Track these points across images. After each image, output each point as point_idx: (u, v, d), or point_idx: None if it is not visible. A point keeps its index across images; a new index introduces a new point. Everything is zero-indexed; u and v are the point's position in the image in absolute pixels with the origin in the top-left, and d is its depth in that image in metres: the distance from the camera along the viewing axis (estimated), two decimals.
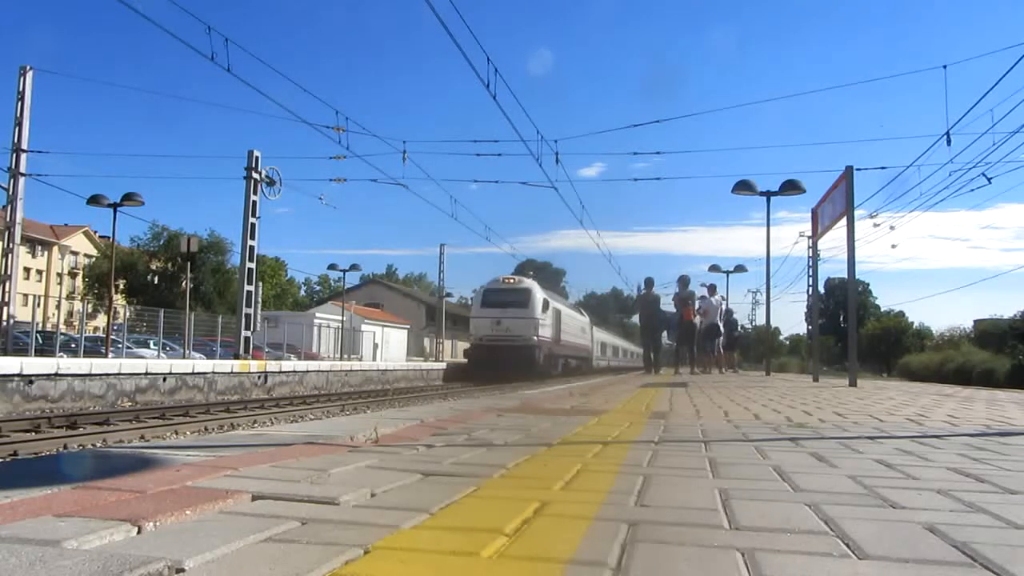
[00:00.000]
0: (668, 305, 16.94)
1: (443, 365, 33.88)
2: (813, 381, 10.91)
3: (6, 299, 18.31)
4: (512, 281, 31.88)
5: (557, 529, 1.44)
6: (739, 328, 20.12)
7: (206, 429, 9.13)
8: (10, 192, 18.13)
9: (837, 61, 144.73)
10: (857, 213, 9.74)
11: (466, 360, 32.21)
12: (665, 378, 12.56)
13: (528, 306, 29.87)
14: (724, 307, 18.30)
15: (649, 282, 16.60)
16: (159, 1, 9.76)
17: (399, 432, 3.08)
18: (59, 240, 63.79)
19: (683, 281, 16.16)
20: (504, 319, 29.51)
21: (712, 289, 17.51)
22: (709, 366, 16.13)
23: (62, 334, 22.59)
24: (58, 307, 45.52)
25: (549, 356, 31.45)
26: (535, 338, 29.36)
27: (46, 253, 63.33)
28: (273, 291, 68.85)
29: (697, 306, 16.30)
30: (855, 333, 10.17)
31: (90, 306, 35.36)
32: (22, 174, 18.17)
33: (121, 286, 45.58)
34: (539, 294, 30.93)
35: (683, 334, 15.93)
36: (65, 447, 7.48)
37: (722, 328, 17.31)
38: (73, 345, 21.62)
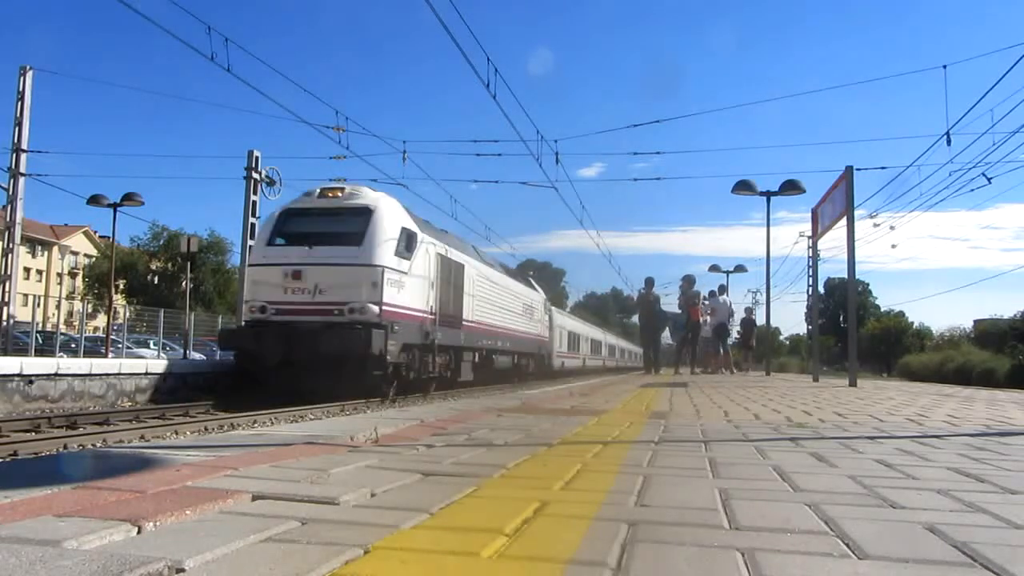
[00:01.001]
0: (668, 305, 17.00)
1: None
2: (813, 381, 10.91)
3: (6, 299, 18.31)
4: (338, 194, 14.85)
5: (557, 529, 1.44)
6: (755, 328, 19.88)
7: (206, 429, 9.12)
8: (10, 192, 18.13)
9: (837, 61, 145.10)
10: (857, 213, 9.76)
11: (231, 353, 14.80)
12: (665, 378, 12.56)
13: (364, 242, 13.71)
14: (732, 307, 18.34)
15: (649, 282, 16.63)
16: (159, 1, 9.74)
17: (399, 432, 3.08)
18: (59, 240, 63.78)
19: (689, 280, 16.15)
20: (310, 268, 13.59)
21: (721, 289, 17.57)
22: (717, 366, 16.10)
23: (62, 334, 22.59)
24: (58, 307, 45.46)
25: (422, 348, 15.12)
26: (377, 308, 13.33)
27: (46, 253, 63.33)
28: None
29: (702, 306, 16.36)
30: (855, 333, 10.18)
31: (90, 306, 35.28)
32: (22, 174, 18.17)
33: (121, 286, 45.59)
34: (392, 219, 14.33)
35: (690, 334, 15.94)
36: (65, 447, 7.48)
37: (730, 328, 17.35)
38: (73, 345, 21.61)
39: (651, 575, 1.16)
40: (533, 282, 28.42)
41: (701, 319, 16.03)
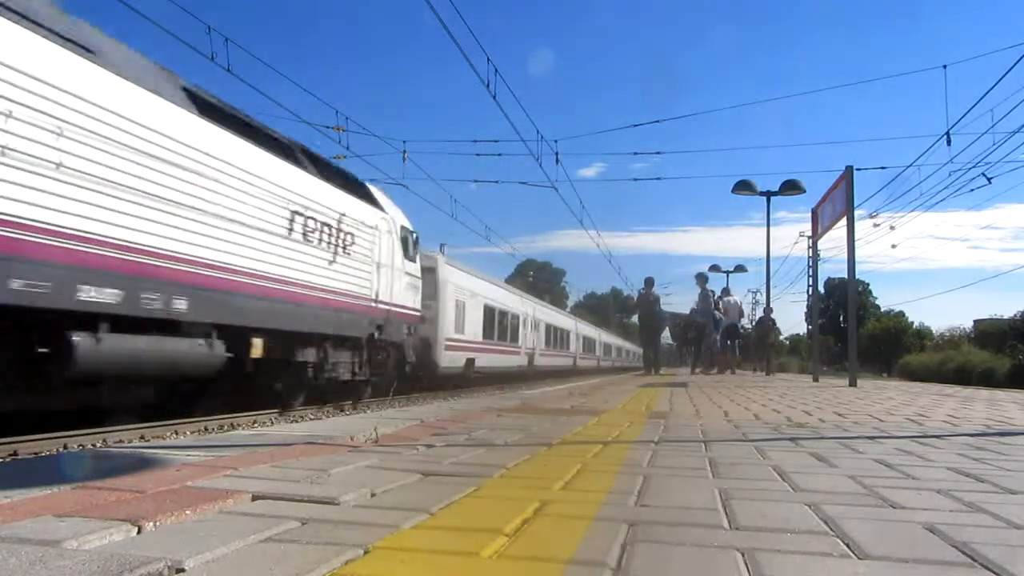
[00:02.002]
0: (668, 305, 17.03)
1: None
2: (813, 381, 10.91)
3: None
4: None
5: (557, 529, 1.44)
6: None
7: (206, 429, 9.12)
8: None
9: (837, 61, 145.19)
10: (857, 213, 9.76)
11: None
12: (665, 378, 12.57)
13: None
14: (742, 307, 18.39)
15: (649, 282, 16.64)
16: (159, 1, 9.68)
17: (399, 432, 3.08)
18: None
19: (704, 278, 16.10)
20: None
21: (724, 291, 17.60)
22: (723, 367, 16.08)
23: None
24: None
25: None
26: None
27: None
28: None
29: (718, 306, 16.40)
30: (855, 333, 10.17)
31: None
32: None
33: None
34: None
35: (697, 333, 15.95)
36: (65, 447, 7.48)
37: (740, 329, 17.43)
38: None
39: (651, 575, 1.16)
40: (375, 193, 13.16)
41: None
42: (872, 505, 1.72)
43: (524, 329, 25.01)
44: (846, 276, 10.09)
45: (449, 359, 17.05)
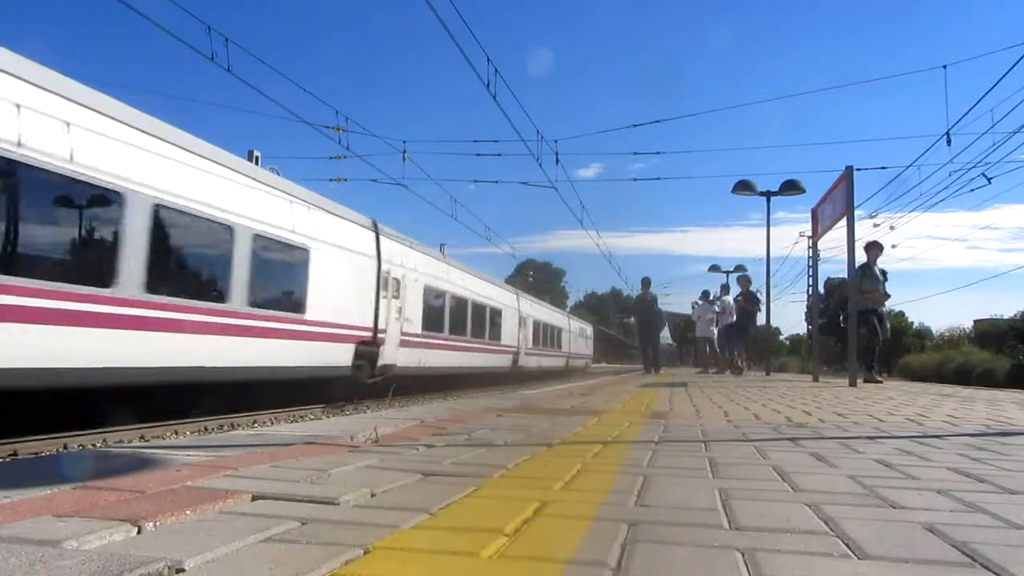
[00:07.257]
0: (667, 305, 17.04)
1: None
2: (813, 381, 10.91)
3: None
4: None
5: (557, 529, 1.44)
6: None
7: (206, 429, 9.12)
8: None
9: (837, 60, 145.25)
10: (857, 213, 9.74)
11: None
12: (665, 378, 12.56)
13: None
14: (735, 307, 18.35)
15: (646, 282, 16.68)
16: (159, 1, 9.66)
17: (399, 432, 3.08)
18: None
19: (746, 280, 16.07)
20: None
21: (726, 289, 17.56)
22: (724, 368, 16.04)
23: None
24: None
25: None
26: None
27: None
28: None
29: (702, 304, 16.44)
30: (855, 333, 10.16)
31: None
32: None
33: None
34: None
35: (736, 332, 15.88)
36: (65, 447, 7.47)
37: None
38: None
39: (651, 575, 1.16)
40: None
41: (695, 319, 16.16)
42: (872, 505, 1.72)
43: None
44: (846, 276, 10.08)
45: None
